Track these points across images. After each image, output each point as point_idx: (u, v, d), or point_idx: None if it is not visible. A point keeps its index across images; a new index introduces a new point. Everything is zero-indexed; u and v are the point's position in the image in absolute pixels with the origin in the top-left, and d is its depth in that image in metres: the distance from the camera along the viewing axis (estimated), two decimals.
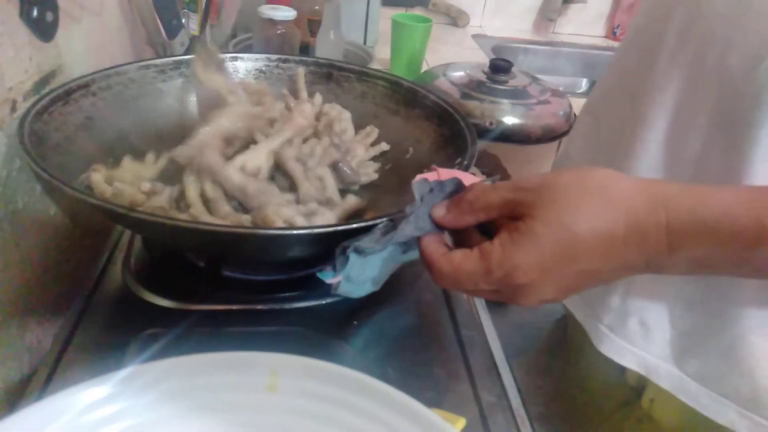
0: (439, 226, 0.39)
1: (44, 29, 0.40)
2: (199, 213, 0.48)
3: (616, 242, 0.32)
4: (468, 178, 0.41)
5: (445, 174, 0.41)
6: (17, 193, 0.48)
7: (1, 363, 0.46)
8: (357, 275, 0.43)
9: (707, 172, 0.44)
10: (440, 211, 0.39)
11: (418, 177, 0.41)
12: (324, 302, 0.52)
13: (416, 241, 0.40)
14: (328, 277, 0.42)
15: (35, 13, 0.39)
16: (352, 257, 0.40)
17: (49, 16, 0.40)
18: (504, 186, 0.36)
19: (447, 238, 0.40)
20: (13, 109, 0.48)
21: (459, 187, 0.40)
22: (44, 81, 0.53)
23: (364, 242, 0.40)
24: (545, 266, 0.33)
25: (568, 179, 0.34)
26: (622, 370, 0.53)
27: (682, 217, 0.32)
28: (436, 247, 0.38)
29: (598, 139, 0.57)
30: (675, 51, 0.46)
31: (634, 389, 0.54)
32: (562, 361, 0.65)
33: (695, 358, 0.47)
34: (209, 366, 0.32)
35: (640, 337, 0.50)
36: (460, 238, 0.39)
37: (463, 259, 0.36)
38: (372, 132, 0.65)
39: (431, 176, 0.41)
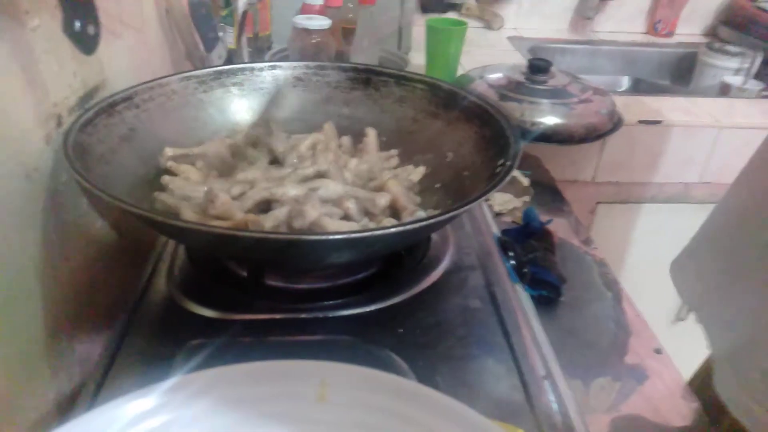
0: None
1: (86, 42, 0.41)
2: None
3: None
4: None
5: None
6: (64, 207, 0.49)
7: (52, 375, 0.47)
8: None
9: None
10: None
11: None
12: (368, 310, 0.51)
13: None
14: None
15: (78, 26, 0.39)
16: None
17: (91, 30, 0.41)
18: None
19: None
20: (59, 124, 0.49)
21: None
22: (88, 96, 0.54)
23: None
24: None
25: None
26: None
27: None
28: None
29: None
30: None
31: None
32: (619, 369, 0.61)
33: None
34: (256, 375, 0.31)
35: (762, 390, 0.45)
36: None
37: None
38: (393, 158, 0.64)
39: None
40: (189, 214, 0.50)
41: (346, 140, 0.66)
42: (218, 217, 0.50)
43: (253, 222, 0.48)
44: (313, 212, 0.49)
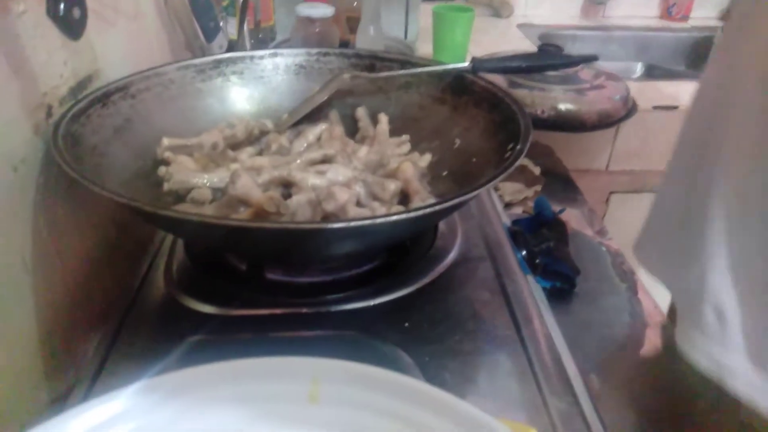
0: None
1: (72, 26, 0.39)
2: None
3: None
4: None
5: None
6: (57, 202, 0.47)
7: (47, 377, 0.45)
8: None
9: None
10: None
11: None
12: (372, 304, 0.49)
13: None
14: None
15: (62, 9, 0.37)
16: None
17: (77, 13, 0.39)
18: None
19: None
20: (49, 114, 0.47)
21: None
22: (81, 86, 0.52)
23: None
24: None
25: None
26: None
27: None
28: None
29: None
30: None
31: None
32: (636, 362, 0.59)
33: None
34: (235, 375, 0.29)
35: (715, 328, 0.44)
36: None
37: None
38: (404, 144, 0.62)
39: None
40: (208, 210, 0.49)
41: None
42: (239, 199, 0.48)
43: (273, 200, 0.46)
44: (343, 195, 0.47)
